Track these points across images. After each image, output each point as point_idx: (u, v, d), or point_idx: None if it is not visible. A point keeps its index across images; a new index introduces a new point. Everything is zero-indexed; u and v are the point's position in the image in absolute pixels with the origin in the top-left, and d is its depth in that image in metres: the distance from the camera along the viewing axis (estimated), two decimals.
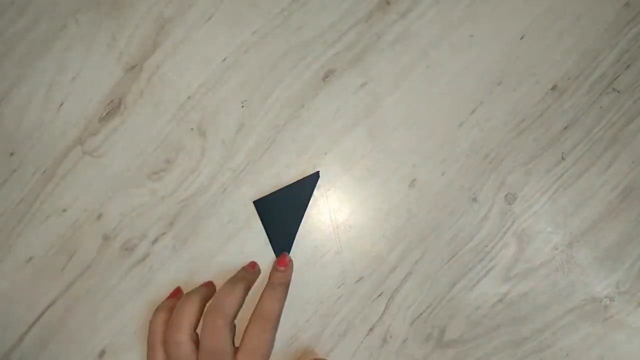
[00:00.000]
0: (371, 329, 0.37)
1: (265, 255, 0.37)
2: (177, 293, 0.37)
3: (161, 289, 0.38)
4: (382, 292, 0.37)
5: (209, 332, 0.32)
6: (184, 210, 0.38)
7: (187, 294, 0.34)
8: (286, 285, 0.35)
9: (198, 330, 0.35)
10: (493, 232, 0.37)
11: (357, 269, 0.37)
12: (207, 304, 0.33)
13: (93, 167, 0.38)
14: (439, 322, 0.38)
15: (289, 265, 0.36)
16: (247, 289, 0.34)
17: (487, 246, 0.37)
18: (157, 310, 0.34)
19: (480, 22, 0.37)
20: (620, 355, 0.36)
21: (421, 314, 0.37)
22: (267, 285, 0.35)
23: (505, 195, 0.37)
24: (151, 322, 0.34)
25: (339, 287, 0.37)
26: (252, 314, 0.33)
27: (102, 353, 0.38)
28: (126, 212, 0.38)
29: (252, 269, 0.36)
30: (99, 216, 0.38)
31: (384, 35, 0.38)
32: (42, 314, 0.38)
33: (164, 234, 0.38)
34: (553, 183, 0.37)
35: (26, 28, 0.39)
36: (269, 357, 0.33)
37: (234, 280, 0.35)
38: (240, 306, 0.33)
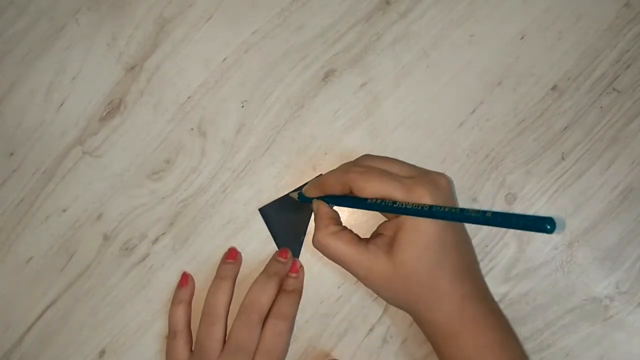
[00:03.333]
0: (371, 329, 0.37)
1: (265, 255, 0.37)
2: (186, 279, 0.37)
3: (161, 289, 0.38)
4: None
5: (242, 326, 0.33)
6: (184, 210, 0.38)
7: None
8: (299, 290, 0.36)
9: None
10: (493, 232, 0.37)
11: None
12: (244, 298, 0.34)
13: (93, 167, 0.38)
14: None
15: (299, 271, 0.36)
16: (280, 283, 0.35)
17: (487, 246, 0.37)
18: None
19: (480, 22, 0.37)
20: (620, 355, 0.36)
21: None
22: (280, 292, 0.35)
23: (505, 195, 0.37)
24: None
25: (339, 287, 0.37)
26: (267, 317, 0.34)
27: (102, 353, 0.38)
28: (126, 212, 0.38)
29: (284, 258, 0.36)
30: (99, 216, 0.38)
31: (384, 35, 0.38)
32: (42, 314, 0.38)
33: (164, 234, 0.38)
34: (553, 183, 0.37)
35: (26, 28, 0.39)
36: (284, 359, 0.34)
37: (268, 274, 0.35)
38: (273, 301, 0.34)
